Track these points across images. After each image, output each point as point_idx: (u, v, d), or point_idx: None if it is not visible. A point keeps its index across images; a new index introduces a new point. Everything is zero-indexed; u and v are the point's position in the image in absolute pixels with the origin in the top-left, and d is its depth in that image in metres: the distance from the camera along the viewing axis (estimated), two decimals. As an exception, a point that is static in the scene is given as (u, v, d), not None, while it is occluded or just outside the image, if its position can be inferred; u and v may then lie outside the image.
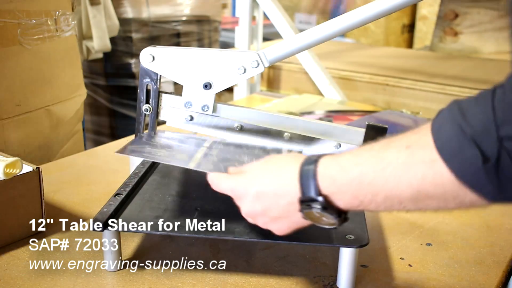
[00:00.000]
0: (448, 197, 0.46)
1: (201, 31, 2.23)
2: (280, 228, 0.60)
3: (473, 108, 0.44)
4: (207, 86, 0.90)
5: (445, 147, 0.44)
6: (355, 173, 0.51)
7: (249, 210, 0.61)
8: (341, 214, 0.54)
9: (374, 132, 0.83)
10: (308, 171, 0.54)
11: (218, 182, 0.65)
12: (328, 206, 0.53)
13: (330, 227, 0.57)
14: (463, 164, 0.44)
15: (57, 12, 1.31)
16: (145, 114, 0.94)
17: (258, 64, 0.88)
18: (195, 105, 0.92)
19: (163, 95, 0.93)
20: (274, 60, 0.89)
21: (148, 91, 0.93)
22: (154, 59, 0.91)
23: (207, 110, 0.92)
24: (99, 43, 1.90)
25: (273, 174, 0.59)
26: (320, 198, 0.53)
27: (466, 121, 0.43)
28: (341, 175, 0.52)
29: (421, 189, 0.47)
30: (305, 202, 0.54)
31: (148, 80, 0.93)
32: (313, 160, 0.55)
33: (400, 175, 0.48)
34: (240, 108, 0.94)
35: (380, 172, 0.49)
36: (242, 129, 0.93)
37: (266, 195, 0.58)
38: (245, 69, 0.88)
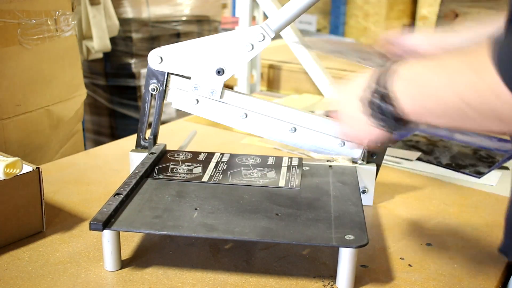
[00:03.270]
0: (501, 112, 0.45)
1: (201, 31, 2.24)
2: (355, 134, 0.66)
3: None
4: (220, 72, 0.90)
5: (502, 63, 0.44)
6: (415, 77, 0.53)
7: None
8: (399, 120, 0.56)
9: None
10: (380, 74, 0.57)
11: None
12: (388, 98, 0.55)
13: (385, 129, 0.59)
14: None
15: (57, 12, 1.31)
16: (150, 108, 0.94)
17: (264, 37, 0.88)
18: (203, 89, 0.92)
19: (172, 76, 0.93)
20: (278, 28, 0.88)
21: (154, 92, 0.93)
22: (163, 60, 0.91)
23: (214, 95, 0.92)
24: (99, 43, 1.90)
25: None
26: (383, 90, 0.55)
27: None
28: (407, 75, 0.54)
29: (465, 98, 0.47)
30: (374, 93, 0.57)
31: (154, 81, 0.93)
32: (388, 67, 0.57)
33: (450, 81, 0.48)
34: (247, 96, 0.94)
35: (435, 77, 0.50)
36: (247, 118, 0.93)
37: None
38: (252, 45, 0.88)
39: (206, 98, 0.92)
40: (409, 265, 0.79)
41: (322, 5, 4.40)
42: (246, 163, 0.94)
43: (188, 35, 2.18)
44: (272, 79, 2.07)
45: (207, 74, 0.91)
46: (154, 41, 2.10)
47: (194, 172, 0.90)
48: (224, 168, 0.93)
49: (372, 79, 0.58)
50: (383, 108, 0.56)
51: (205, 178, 0.88)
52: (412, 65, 0.55)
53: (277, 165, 0.94)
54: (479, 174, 1.13)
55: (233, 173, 0.90)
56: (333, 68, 1.94)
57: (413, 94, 0.53)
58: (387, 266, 0.78)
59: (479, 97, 0.46)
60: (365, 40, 4.25)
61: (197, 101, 0.92)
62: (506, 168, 1.17)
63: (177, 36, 2.17)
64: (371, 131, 0.61)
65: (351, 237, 0.70)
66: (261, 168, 0.92)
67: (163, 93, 0.93)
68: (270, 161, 0.96)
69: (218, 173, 0.90)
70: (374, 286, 0.73)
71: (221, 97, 0.92)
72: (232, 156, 0.98)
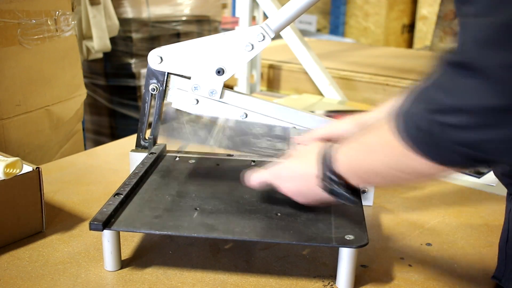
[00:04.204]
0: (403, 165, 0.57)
1: (201, 31, 2.23)
2: (308, 201, 0.73)
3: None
4: (220, 72, 0.90)
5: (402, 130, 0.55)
6: (349, 159, 0.65)
7: (286, 190, 0.73)
8: (353, 189, 0.67)
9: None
10: (325, 157, 0.66)
11: (253, 177, 0.76)
12: (341, 181, 0.66)
13: (346, 200, 0.68)
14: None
15: (57, 12, 1.31)
16: (149, 109, 0.94)
17: (264, 37, 0.88)
18: (203, 89, 0.92)
19: (172, 76, 0.93)
20: (278, 28, 0.89)
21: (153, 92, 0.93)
22: (163, 60, 0.91)
23: (214, 95, 0.92)
24: (99, 43, 1.90)
25: (298, 160, 0.72)
26: (333, 176, 0.66)
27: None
28: (343, 160, 0.65)
29: (387, 162, 0.58)
30: (324, 180, 0.67)
31: (154, 81, 0.93)
32: (328, 149, 0.67)
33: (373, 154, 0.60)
34: (247, 96, 0.94)
35: (361, 155, 0.63)
36: (247, 118, 0.93)
37: (294, 177, 0.71)
38: (252, 45, 0.89)
39: (206, 98, 0.92)
40: (409, 265, 0.79)
41: (322, 5, 4.41)
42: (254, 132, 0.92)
43: (188, 35, 2.18)
44: (272, 79, 2.07)
45: (207, 74, 0.91)
46: (154, 41, 2.10)
47: (199, 134, 0.89)
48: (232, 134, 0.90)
49: (320, 162, 0.67)
50: (335, 190, 0.66)
51: (210, 142, 0.85)
52: (344, 150, 0.65)
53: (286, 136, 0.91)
54: (479, 174, 1.13)
55: (242, 139, 0.88)
56: (333, 68, 1.94)
57: (354, 171, 0.64)
58: (387, 266, 0.78)
59: (394, 160, 0.57)
60: (365, 40, 4.25)
61: (197, 101, 0.92)
62: (506, 168, 1.17)
63: (177, 36, 2.17)
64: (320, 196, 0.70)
65: (351, 237, 0.70)
66: (270, 139, 0.90)
67: (163, 93, 0.93)
68: (278, 131, 0.93)
69: (224, 138, 0.88)
70: (374, 286, 0.73)
71: (221, 97, 0.92)
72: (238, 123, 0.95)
